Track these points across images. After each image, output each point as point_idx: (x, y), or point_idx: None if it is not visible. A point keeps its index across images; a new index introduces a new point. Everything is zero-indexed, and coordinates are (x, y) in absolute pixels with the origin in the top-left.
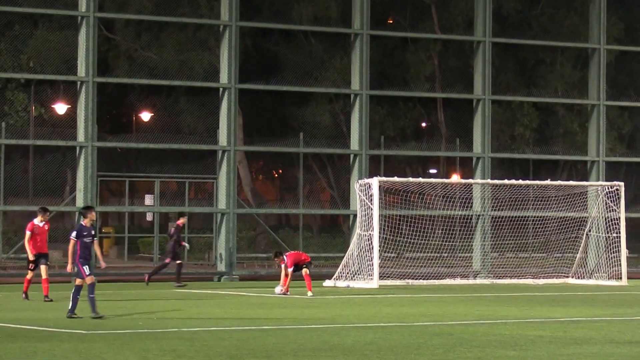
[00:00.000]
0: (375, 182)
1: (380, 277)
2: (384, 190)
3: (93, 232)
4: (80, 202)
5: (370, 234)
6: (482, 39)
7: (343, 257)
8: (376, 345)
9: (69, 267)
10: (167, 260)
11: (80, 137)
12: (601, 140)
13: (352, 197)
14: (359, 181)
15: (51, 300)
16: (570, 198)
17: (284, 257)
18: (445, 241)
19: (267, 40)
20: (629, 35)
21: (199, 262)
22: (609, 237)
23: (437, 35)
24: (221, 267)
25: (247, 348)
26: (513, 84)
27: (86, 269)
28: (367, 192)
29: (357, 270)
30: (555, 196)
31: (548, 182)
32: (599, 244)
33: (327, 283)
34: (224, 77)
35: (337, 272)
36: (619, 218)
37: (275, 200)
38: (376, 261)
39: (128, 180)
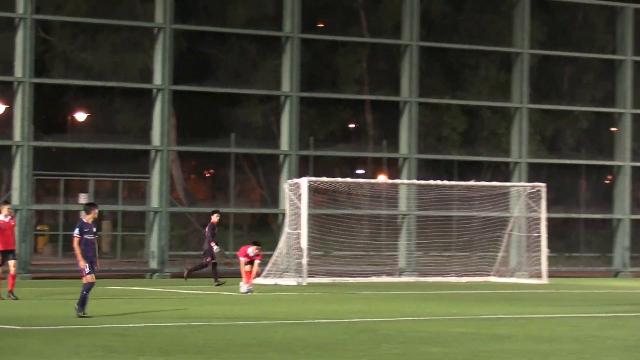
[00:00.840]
0: (304, 182)
1: (308, 274)
2: (313, 190)
3: (95, 229)
4: (15, 201)
5: (298, 233)
6: (409, 42)
7: (272, 255)
8: (304, 341)
9: (81, 264)
10: (208, 260)
11: (17, 136)
12: (524, 142)
13: (281, 196)
14: (289, 181)
15: (16, 298)
16: (493, 198)
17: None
18: (372, 240)
19: (201, 42)
20: (552, 39)
21: (132, 259)
22: (530, 236)
23: (366, 39)
24: (153, 264)
25: (178, 344)
26: (439, 87)
27: (87, 267)
28: (296, 192)
29: (286, 268)
30: (479, 196)
31: (472, 182)
32: (520, 243)
33: (256, 281)
34: (157, 79)
35: (265, 270)
36: (540, 218)
37: (206, 199)
38: (304, 259)
39: (63, 179)
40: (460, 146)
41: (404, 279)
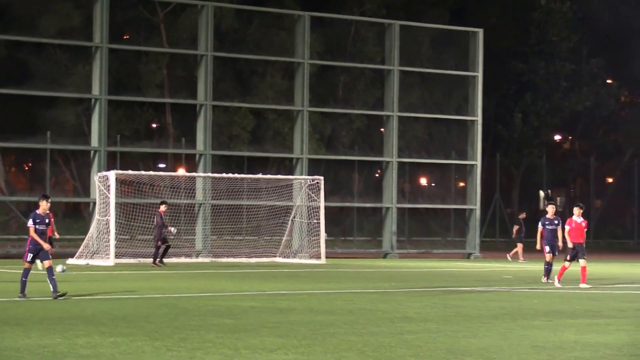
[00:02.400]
0: (112, 174)
1: (116, 256)
2: (120, 181)
3: (48, 222)
4: None
5: (107, 219)
6: (205, 53)
7: (84, 238)
8: (111, 314)
9: (47, 247)
10: (159, 243)
11: None
12: (305, 140)
13: (92, 187)
14: (98, 174)
15: None
16: (278, 189)
17: None
18: (173, 225)
19: (19, 50)
20: (329, 51)
21: None
22: (310, 222)
23: (166, 49)
24: None
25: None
26: (231, 92)
27: (29, 256)
28: (105, 183)
29: (96, 250)
30: (266, 187)
31: (260, 175)
32: (302, 228)
33: (70, 261)
34: None
35: (78, 252)
36: (319, 207)
37: (25, 189)
38: (112, 242)
39: None
40: (249, 144)
41: (200, 259)
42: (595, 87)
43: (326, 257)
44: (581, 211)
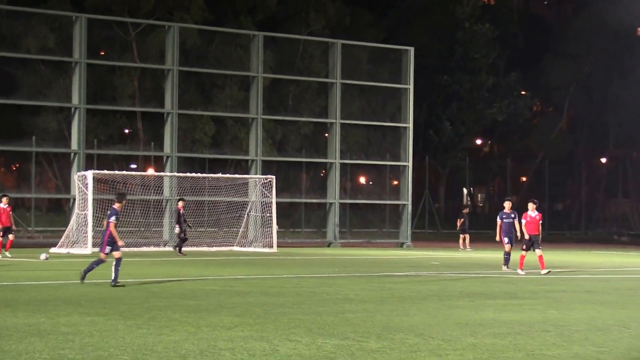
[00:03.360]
0: (89, 174)
1: (93, 245)
2: (97, 180)
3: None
4: None
5: (85, 213)
6: (171, 67)
7: (65, 230)
8: (89, 297)
9: (120, 243)
10: (182, 235)
11: None
12: (259, 144)
13: (72, 185)
14: (78, 173)
15: None
16: (235, 187)
17: None
18: (143, 219)
19: (7, 64)
20: (280, 66)
21: None
22: (264, 215)
23: (137, 64)
24: None
25: None
26: (194, 101)
27: (107, 248)
28: (83, 182)
29: (76, 240)
30: (225, 185)
31: (219, 175)
32: (256, 221)
33: (53, 250)
34: None
35: (60, 242)
36: (271, 202)
37: (13, 187)
38: (90, 233)
39: None
40: (210, 147)
41: (167, 248)
42: (512, 98)
43: (277, 246)
44: (535, 206)
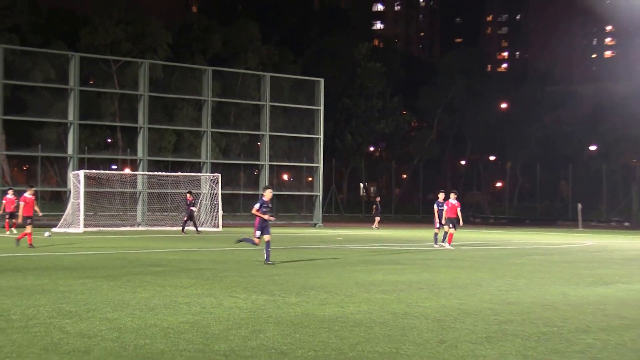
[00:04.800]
0: (81, 173)
1: (84, 226)
2: (87, 177)
3: (270, 206)
4: None
5: (78, 202)
6: (143, 93)
7: (63, 215)
8: (81, 264)
9: (267, 217)
10: (185, 219)
11: None
12: (208, 150)
13: (68, 181)
14: (73, 172)
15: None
16: (191, 182)
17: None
18: (122, 205)
19: (20, 90)
20: (225, 91)
21: None
22: (212, 204)
23: (117, 90)
24: None
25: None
26: (160, 118)
27: (258, 233)
28: (77, 178)
29: (71, 222)
30: (183, 181)
31: (179, 173)
32: (206, 207)
33: (54, 229)
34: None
35: (59, 224)
36: (217, 194)
37: (24, 182)
38: (82, 217)
39: None
40: (172, 152)
41: (140, 228)
42: (395, 116)
43: (222, 226)
44: (455, 196)
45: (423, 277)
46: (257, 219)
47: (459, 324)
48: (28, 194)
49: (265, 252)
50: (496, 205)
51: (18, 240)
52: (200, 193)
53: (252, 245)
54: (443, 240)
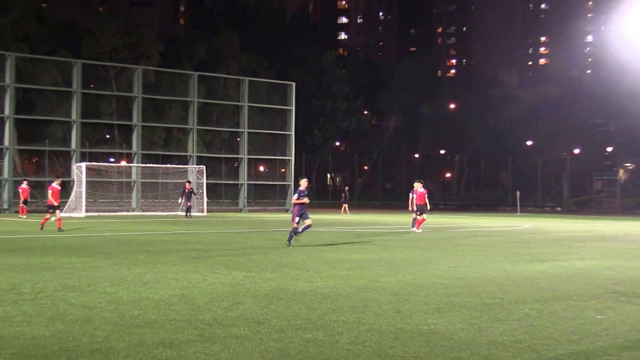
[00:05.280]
0: (83, 165)
1: (86, 211)
2: (88, 168)
3: (306, 193)
4: None
5: (80, 190)
6: (137, 95)
7: (67, 201)
8: (83, 244)
9: (304, 200)
10: (188, 204)
11: None
12: (194, 145)
13: (72, 172)
14: (76, 164)
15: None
16: (179, 173)
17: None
18: (118, 194)
19: (30, 93)
20: (209, 94)
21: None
22: (198, 191)
23: (114, 92)
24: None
25: (4, 246)
26: (152, 117)
27: (297, 219)
28: (79, 169)
29: (75, 208)
30: (172, 172)
31: (169, 165)
32: (193, 195)
33: (60, 214)
34: (6, 109)
35: (64, 209)
36: (203, 183)
37: (33, 173)
38: (83, 203)
39: None
40: (163, 147)
41: (135, 213)
42: (358, 116)
43: (207, 212)
44: (422, 185)
45: (382, 256)
46: (296, 207)
47: (413, 297)
48: (55, 184)
49: (300, 233)
50: (446, 193)
51: (42, 225)
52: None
53: (301, 232)
54: (414, 225)
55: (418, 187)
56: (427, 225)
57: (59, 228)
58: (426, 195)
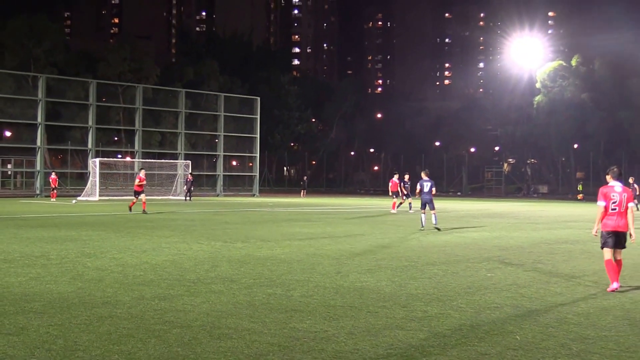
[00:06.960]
0: (97, 160)
1: (99, 196)
2: (101, 163)
3: (408, 184)
4: None
5: (95, 180)
6: (139, 106)
7: (84, 188)
8: (98, 222)
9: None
10: (186, 190)
11: None
12: (182, 145)
13: (88, 166)
14: (92, 160)
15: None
16: (172, 167)
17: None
18: (124, 182)
19: (57, 106)
20: (194, 106)
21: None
22: (186, 180)
23: (122, 105)
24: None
25: (12, 222)
26: (150, 124)
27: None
28: (94, 164)
29: (91, 193)
30: (166, 165)
31: (162, 160)
32: (181, 184)
33: (79, 198)
34: None
35: (82, 194)
36: (188, 174)
37: (59, 167)
38: (97, 190)
39: None
40: (158, 146)
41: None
42: (308, 123)
43: (192, 196)
44: (398, 176)
45: (326, 230)
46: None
47: (349, 261)
48: (142, 174)
49: (434, 218)
50: (374, 182)
51: (130, 207)
52: (176, 174)
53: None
54: (410, 209)
55: (394, 177)
56: (359, 207)
57: (144, 210)
58: (399, 185)
